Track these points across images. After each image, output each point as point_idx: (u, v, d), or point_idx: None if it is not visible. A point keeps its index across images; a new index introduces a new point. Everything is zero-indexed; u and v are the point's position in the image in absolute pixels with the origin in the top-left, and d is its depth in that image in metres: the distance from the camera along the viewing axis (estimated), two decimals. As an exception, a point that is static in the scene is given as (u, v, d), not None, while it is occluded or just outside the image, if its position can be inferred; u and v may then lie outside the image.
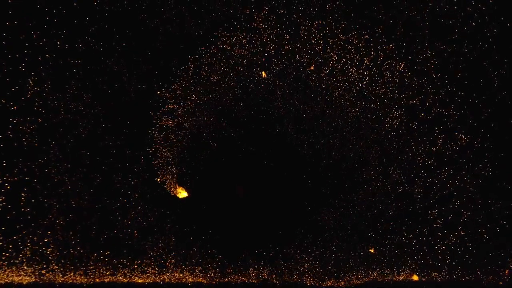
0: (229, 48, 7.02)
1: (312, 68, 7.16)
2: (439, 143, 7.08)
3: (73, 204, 6.14)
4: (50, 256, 6.04)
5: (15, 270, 5.93)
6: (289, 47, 7.13)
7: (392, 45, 7.34)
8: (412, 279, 6.83)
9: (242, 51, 7.13)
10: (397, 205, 7.05)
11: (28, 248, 5.91)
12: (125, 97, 6.54)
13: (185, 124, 6.97)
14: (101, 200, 6.29)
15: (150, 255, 6.42)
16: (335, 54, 7.14)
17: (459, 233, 6.85)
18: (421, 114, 7.15)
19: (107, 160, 6.39)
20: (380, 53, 7.20)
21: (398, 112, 7.14)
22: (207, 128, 7.02)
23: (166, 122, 6.81)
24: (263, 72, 7.11)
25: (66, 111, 6.09)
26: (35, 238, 5.94)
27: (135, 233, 6.36)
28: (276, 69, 7.17)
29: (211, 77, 7.02)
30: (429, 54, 7.23)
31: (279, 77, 7.16)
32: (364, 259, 6.87)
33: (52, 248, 6.03)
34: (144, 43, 6.60)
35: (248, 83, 7.17)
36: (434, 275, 6.88)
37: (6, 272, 5.92)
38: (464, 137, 7.05)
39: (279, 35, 7.14)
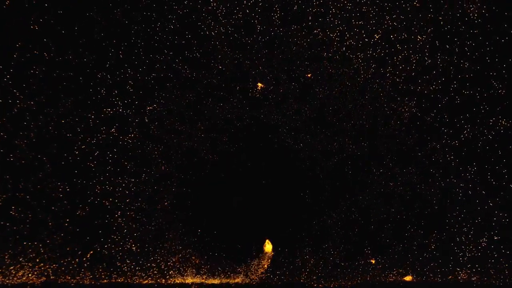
0: (200, 23, 5.58)
1: (309, 75, 5.69)
2: (464, 135, 5.87)
3: (69, 220, 5.81)
4: (53, 260, 5.90)
5: (22, 272, 5.81)
6: (280, 29, 5.64)
7: (416, 3, 5.78)
8: (406, 280, 6.29)
9: (219, 29, 5.70)
10: (407, 209, 6.12)
11: (31, 250, 5.79)
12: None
13: (167, 136, 5.83)
14: (100, 207, 5.99)
15: (153, 257, 6.19)
16: (336, 35, 5.62)
17: (491, 238, 5.99)
18: (443, 100, 5.83)
19: (104, 170, 5.95)
20: (396, 22, 5.67)
21: (413, 102, 5.82)
22: (190, 138, 5.91)
23: (132, 135, 5.71)
24: (259, 84, 5.72)
25: (59, 125, 5.60)
26: (34, 253, 5.81)
27: (137, 238, 6.13)
28: (266, 62, 5.78)
29: (181, 67, 5.66)
30: (466, 19, 5.70)
31: (270, 71, 5.78)
32: (368, 265, 6.28)
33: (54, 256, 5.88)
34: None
35: (232, 79, 5.83)
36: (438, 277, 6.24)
37: (14, 273, 5.78)
38: (505, 122, 5.79)
39: (267, 6, 5.66)
